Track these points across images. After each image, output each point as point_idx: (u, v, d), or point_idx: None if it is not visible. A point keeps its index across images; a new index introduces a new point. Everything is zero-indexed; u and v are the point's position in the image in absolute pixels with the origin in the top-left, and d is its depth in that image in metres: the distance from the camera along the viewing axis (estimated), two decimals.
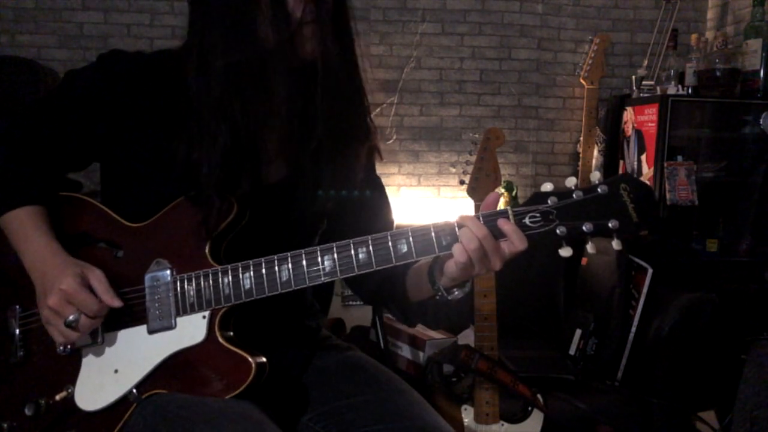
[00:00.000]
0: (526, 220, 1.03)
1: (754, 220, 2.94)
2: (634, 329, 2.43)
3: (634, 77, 3.22)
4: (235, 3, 1.09)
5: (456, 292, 1.15)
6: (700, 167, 2.95)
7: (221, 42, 1.10)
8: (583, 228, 1.01)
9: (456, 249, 1.04)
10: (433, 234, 1.05)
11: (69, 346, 1.14)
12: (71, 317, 1.07)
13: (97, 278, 1.11)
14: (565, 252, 1.03)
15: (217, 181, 1.11)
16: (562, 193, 1.02)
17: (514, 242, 1.02)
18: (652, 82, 3.13)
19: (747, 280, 2.78)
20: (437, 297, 1.16)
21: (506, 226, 1.02)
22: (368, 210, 1.32)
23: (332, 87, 1.16)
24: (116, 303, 1.11)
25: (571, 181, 1.03)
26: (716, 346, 2.41)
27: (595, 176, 1.04)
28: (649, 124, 2.98)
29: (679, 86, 2.97)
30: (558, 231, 1.01)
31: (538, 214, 1.02)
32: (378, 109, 3.39)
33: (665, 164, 2.88)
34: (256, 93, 1.11)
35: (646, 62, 3.32)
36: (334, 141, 1.21)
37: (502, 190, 3.17)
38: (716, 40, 3.07)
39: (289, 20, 1.09)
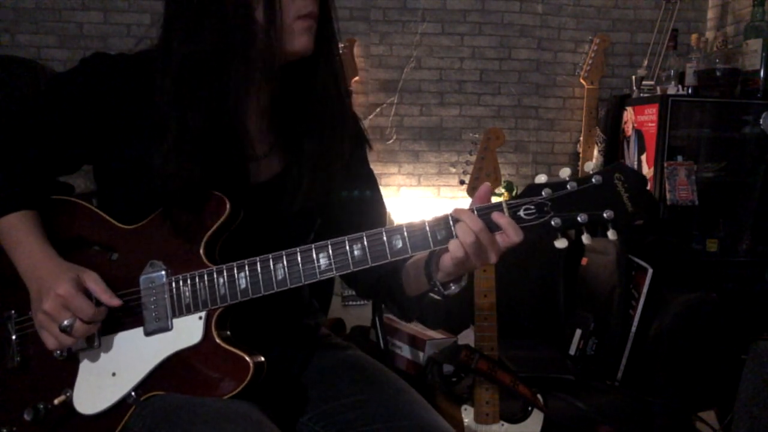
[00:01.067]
0: (521, 213, 1.02)
1: (754, 220, 2.94)
2: (634, 329, 2.44)
3: (634, 77, 3.22)
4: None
5: (452, 287, 1.14)
6: (700, 167, 2.95)
7: (185, 30, 1.10)
8: (578, 218, 1.00)
9: (452, 244, 1.03)
10: (428, 228, 1.05)
11: (65, 351, 1.14)
12: (66, 322, 1.06)
13: (94, 280, 1.10)
14: (560, 243, 1.03)
15: (167, 181, 1.09)
16: (556, 184, 1.02)
17: (510, 235, 1.02)
18: (652, 82, 3.13)
19: (747, 280, 2.78)
20: (435, 291, 1.16)
21: (501, 219, 1.02)
22: (361, 205, 1.32)
23: (317, 83, 1.17)
24: (115, 302, 1.10)
25: (565, 172, 1.03)
26: (716, 346, 2.41)
27: (590, 167, 1.05)
28: (649, 124, 2.98)
29: (679, 86, 2.97)
30: (553, 222, 1.01)
31: (532, 207, 1.02)
32: (378, 109, 3.39)
33: (665, 164, 2.88)
34: (219, 85, 1.10)
35: (646, 62, 3.32)
36: (321, 138, 1.21)
37: (503, 190, 3.17)
38: (716, 40, 3.07)
39: (275, 14, 1.09)
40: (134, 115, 1.14)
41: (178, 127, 1.10)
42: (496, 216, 1.02)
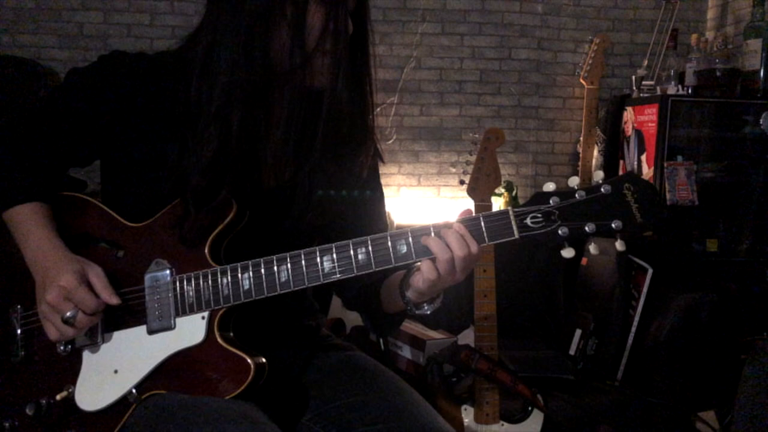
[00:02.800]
0: (528, 221, 1.02)
1: (754, 220, 2.95)
2: (634, 329, 2.44)
3: (634, 77, 3.22)
4: (253, 21, 1.09)
5: (425, 307, 1.16)
6: (700, 167, 2.94)
7: (230, 58, 1.10)
8: (586, 228, 1.00)
9: (425, 266, 1.05)
10: (433, 234, 1.05)
11: (69, 346, 1.14)
12: (69, 314, 1.07)
13: (97, 275, 1.11)
14: (568, 253, 1.02)
15: (197, 192, 1.11)
16: (564, 192, 1.01)
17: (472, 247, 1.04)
18: (652, 82, 3.13)
19: (747, 280, 2.78)
20: (408, 310, 1.17)
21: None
22: (365, 212, 1.32)
23: (337, 117, 1.15)
24: (114, 300, 1.11)
25: (573, 181, 1.03)
26: (716, 346, 2.41)
27: (599, 176, 1.03)
28: (649, 124, 2.98)
29: (679, 86, 2.97)
30: (560, 232, 1.00)
31: (539, 215, 1.02)
32: (378, 109, 3.39)
33: (665, 164, 2.88)
34: (257, 112, 1.12)
35: (646, 62, 3.32)
36: (336, 154, 1.21)
37: (502, 190, 3.17)
38: (716, 40, 3.07)
39: (305, 48, 1.10)
40: (150, 114, 1.15)
41: (218, 148, 1.10)
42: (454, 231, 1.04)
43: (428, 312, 1.16)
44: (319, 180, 1.22)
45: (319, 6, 1.10)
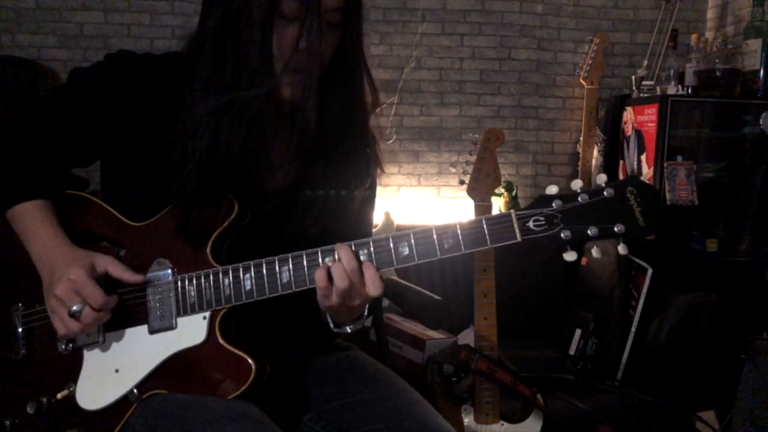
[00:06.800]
0: (530, 224, 1.02)
1: (754, 220, 2.94)
2: (634, 329, 2.44)
3: (634, 77, 3.22)
4: (222, 32, 1.08)
5: (345, 327, 1.17)
6: (700, 167, 2.94)
7: (205, 66, 1.10)
8: (588, 232, 1.00)
9: (318, 275, 1.05)
10: (435, 236, 1.05)
11: (70, 345, 1.14)
12: (75, 307, 1.07)
13: (111, 263, 1.12)
14: (570, 256, 1.02)
15: (189, 194, 1.11)
16: (567, 196, 1.02)
17: (368, 288, 1.05)
18: (652, 82, 3.13)
19: (747, 280, 2.78)
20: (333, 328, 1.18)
21: (368, 270, 1.05)
22: (357, 213, 1.31)
23: (307, 130, 1.12)
24: (138, 278, 1.11)
25: (576, 184, 1.03)
26: (716, 346, 2.41)
27: (602, 179, 1.03)
28: (649, 124, 2.98)
29: (679, 86, 2.97)
30: (562, 235, 1.00)
31: (542, 218, 1.02)
32: (378, 109, 3.38)
33: (665, 164, 2.87)
34: (230, 120, 1.10)
35: (646, 62, 3.32)
36: (333, 159, 1.20)
37: (502, 190, 3.17)
38: (716, 40, 3.07)
39: (271, 66, 1.08)
40: (153, 114, 1.15)
41: (204, 151, 1.10)
42: (366, 266, 1.05)
43: (349, 331, 1.17)
44: (320, 183, 1.21)
45: (290, 23, 1.07)
